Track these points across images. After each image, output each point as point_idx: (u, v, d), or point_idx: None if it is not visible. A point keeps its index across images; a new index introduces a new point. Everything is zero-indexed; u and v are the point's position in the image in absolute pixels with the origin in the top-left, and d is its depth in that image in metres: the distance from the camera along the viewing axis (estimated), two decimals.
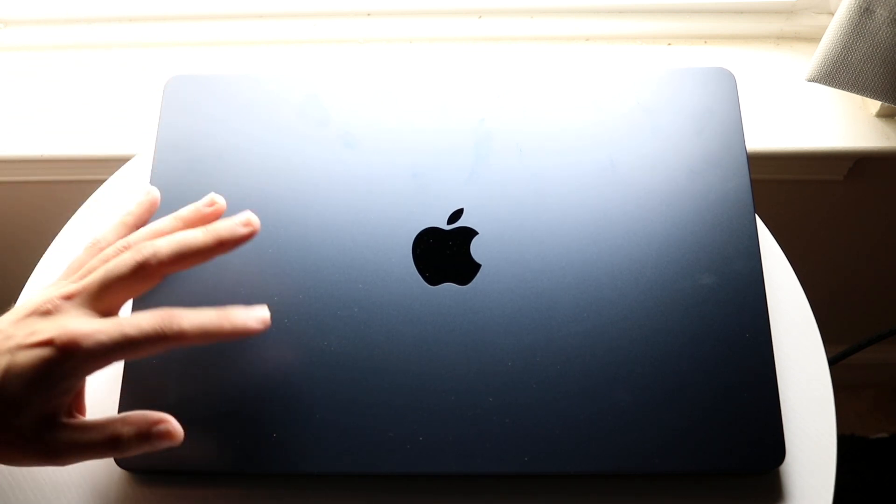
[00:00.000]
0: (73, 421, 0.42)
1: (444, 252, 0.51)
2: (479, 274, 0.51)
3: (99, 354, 0.41)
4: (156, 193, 0.51)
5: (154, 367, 0.49)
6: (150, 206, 0.51)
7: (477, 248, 0.51)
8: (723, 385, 0.48)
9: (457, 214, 0.52)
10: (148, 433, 0.42)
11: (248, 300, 0.50)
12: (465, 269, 0.51)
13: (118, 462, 0.47)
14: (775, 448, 0.46)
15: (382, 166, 0.54)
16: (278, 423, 0.47)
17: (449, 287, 0.50)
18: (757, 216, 0.53)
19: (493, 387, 0.48)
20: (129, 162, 0.61)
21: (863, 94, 0.66)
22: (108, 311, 0.44)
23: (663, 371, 0.48)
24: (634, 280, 0.50)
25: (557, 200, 0.52)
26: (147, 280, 0.44)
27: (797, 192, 0.85)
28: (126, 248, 0.45)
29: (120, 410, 0.48)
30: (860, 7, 0.62)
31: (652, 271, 0.50)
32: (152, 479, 0.48)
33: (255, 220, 0.46)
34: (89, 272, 0.45)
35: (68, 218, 0.58)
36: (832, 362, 0.54)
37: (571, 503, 0.48)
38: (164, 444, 0.42)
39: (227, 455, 0.47)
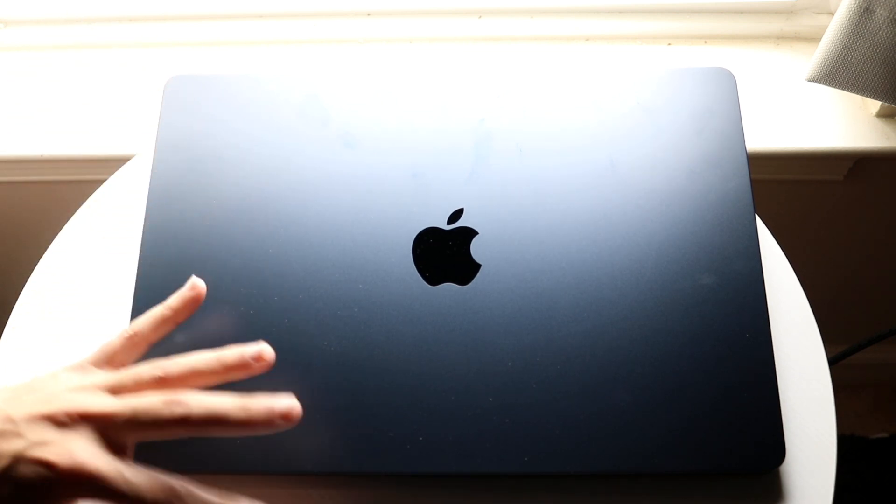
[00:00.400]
0: None
1: (444, 252, 0.51)
2: (479, 274, 0.51)
3: (93, 493, 0.40)
4: (201, 287, 0.48)
5: None
6: (192, 302, 0.48)
7: (477, 248, 0.51)
8: (723, 385, 0.48)
9: (457, 214, 0.52)
10: None
11: (249, 300, 0.50)
12: (465, 269, 0.51)
13: None
14: (775, 448, 0.46)
15: (382, 166, 0.54)
16: None
17: (449, 287, 0.50)
18: (757, 216, 0.53)
19: (493, 387, 0.48)
20: (129, 162, 0.61)
21: (863, 94, 0.66)
22: (122, 445, 0.42)
23: (663, 371, 0.48)
24: (634, 280, 0.50)
25: (557, 200, 0.52)
26: (171, 434, 0.42)
27: (797, 192, 0.85)
28: (160, 383, 0.43)
29: None
30: (860, 7, 0.62)
31: (652, 271, 0.50)
32: None
33: (296, 414, 0.43)
34: (120, 388, 0.43)
35: (68, 218, 0.58)
36: (832, 362, 0.54)
37: (571, 503, 0.48)
38: None
39: (227, 456, 0.47)
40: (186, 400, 0.42)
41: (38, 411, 0.41)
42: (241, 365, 0.44)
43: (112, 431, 0.42)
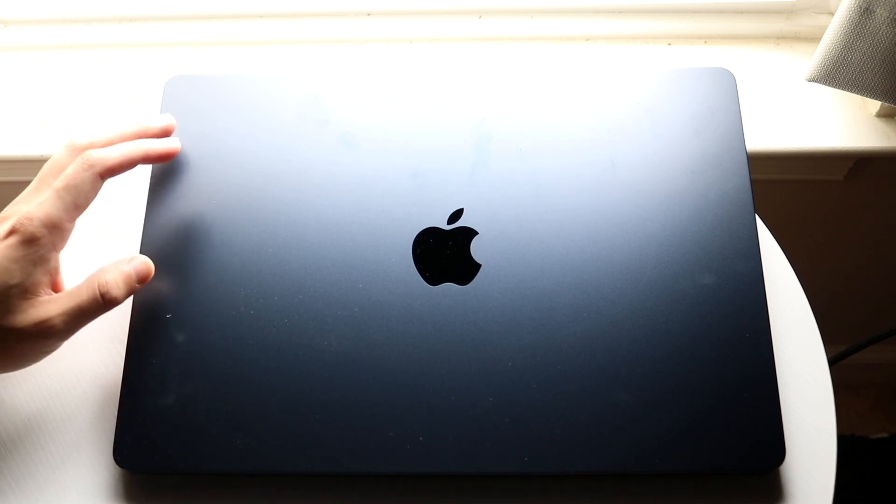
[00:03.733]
0: (56, 293, 0.47)
1: (445, 252, 0.51)
2: (479, 274, 0.51)
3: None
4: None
5: (154, 367, 0.49)
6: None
7: (477, 248, 0.51)
8: (723, 385, 0.48)
9: (457, 214, 0.52)
10: (126, 271, 0.48)
11: (248, 300, 0.50)
12: (465, 269, 0.51)
13: (118, 462, 0.47)
14: (775, 448, 0.46)
15: (382, 166, 0.54)
16: (278, 423, 0.47)
17: (449, 287, 0.50)
18: (757, 216, 0.53)
19: (493, 387, 0.48)
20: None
21: (863, 94, 0.66)
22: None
23: (663, 371, 0.48)
24: (634, 280, 0.50)
25: (557, 200, 0.52)
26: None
27: (797, 192, 0.85)
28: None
29: (120, 410, 0.48)
30: (860, 7, 0.62)
31: (652, 271, 0.50)
32: (152, 479, 0.48)
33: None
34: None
35: None
36: (832, 362, 0.54)
37: (571, 503, 0.48)
38: (144, 273, 0.49)
39: (227, 455, 0.47)
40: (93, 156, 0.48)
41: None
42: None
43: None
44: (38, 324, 0.45)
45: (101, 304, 0.46)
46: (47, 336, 0.45)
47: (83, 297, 0.46)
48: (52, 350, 0.47)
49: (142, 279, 0.48)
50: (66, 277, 0.49)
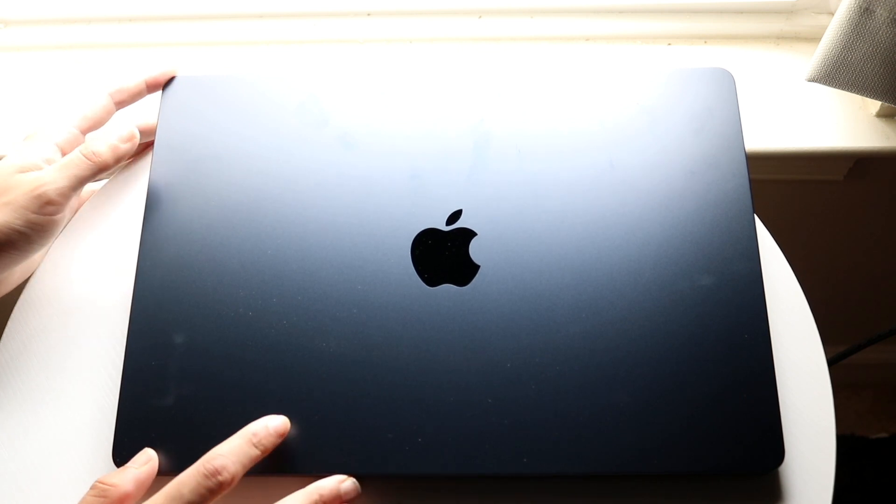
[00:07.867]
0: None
1: (443, 253, 0.51)
2: (478, 275, 0.51)
3: None
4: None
5: (154, 368, 0.49)
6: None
7: (476, 249, 0.51)
8: (722, 385, 0.48)
9: (456, 215, 0.52)
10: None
11: (247, 301, 0.50)
12: (464, 270, 0.51)
13: (117, 463, 0.47)
14: (775, 448, 0.46)
15: (381, 167, 0.54)
16: None
17: (448, 288, 0.50)
18: (756, 216, 0.53)
19: (492, 387, 0.48)
20: (128, 162, 0.61)
21: (863, 94, 0.66)
22: None
23: (662, 372, 0.48)
24: (633, 281, 0.50)
25: (556, 201, 0.52)
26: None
27: (797, 192, 0.85)
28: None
29: (119, 410, 0.48)
30: (860, 7, 0.62)
31: (651, 272, 0.50)
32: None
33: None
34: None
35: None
36: (832, 362, 0.54)
37: (571, 503, 0.48)
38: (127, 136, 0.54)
39: None
40: None
41: None
42: None
43: None
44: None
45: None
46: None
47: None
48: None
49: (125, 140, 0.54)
50: (65, 282, 0.49)
